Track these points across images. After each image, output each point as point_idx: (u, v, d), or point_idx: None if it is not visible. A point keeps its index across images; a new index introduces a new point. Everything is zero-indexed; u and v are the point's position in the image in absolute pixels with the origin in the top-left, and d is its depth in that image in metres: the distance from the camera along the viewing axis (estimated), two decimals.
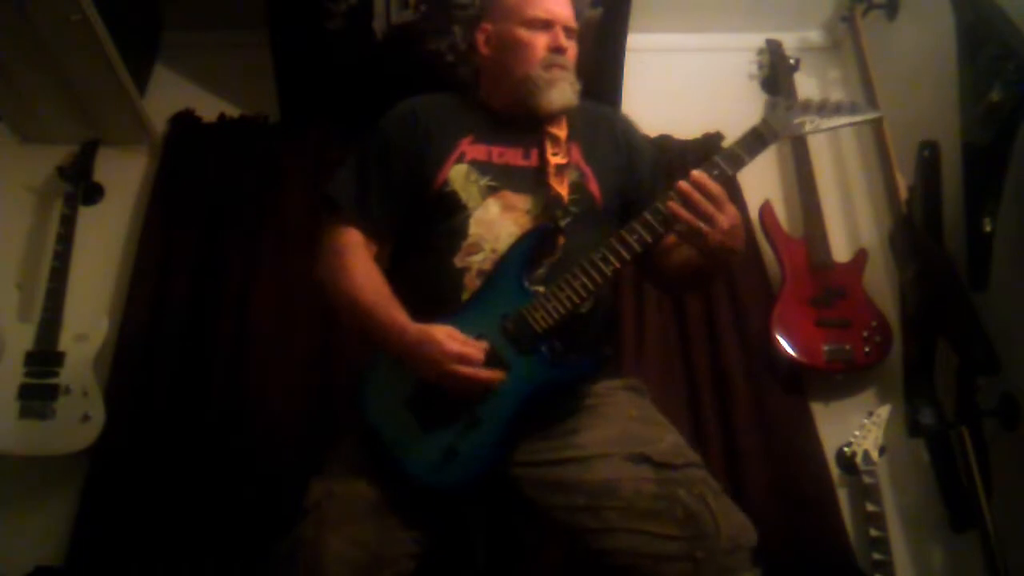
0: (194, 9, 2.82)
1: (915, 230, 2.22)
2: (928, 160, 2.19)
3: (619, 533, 1.35)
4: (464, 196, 1.52)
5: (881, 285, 2.52)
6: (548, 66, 1.58)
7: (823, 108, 1.47)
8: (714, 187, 1.38)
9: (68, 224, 2.46)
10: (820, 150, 2.75)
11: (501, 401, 1.39)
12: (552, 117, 1.60)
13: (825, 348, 2.33)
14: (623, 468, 1.38)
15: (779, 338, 2.35)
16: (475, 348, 1.37)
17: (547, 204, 1.51)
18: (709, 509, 1.35)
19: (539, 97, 1.57)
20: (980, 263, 2.07)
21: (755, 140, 1.45)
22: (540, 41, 1.59)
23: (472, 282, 1.47)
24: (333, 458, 1.50)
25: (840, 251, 2.55)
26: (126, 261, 2.53)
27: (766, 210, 2.56)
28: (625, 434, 1.44)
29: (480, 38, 1.69)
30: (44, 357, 2.27)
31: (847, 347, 2.34)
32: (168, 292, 2.42)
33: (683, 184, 1.38)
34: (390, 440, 1.41)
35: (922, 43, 2.53)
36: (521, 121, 1.60)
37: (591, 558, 1.38)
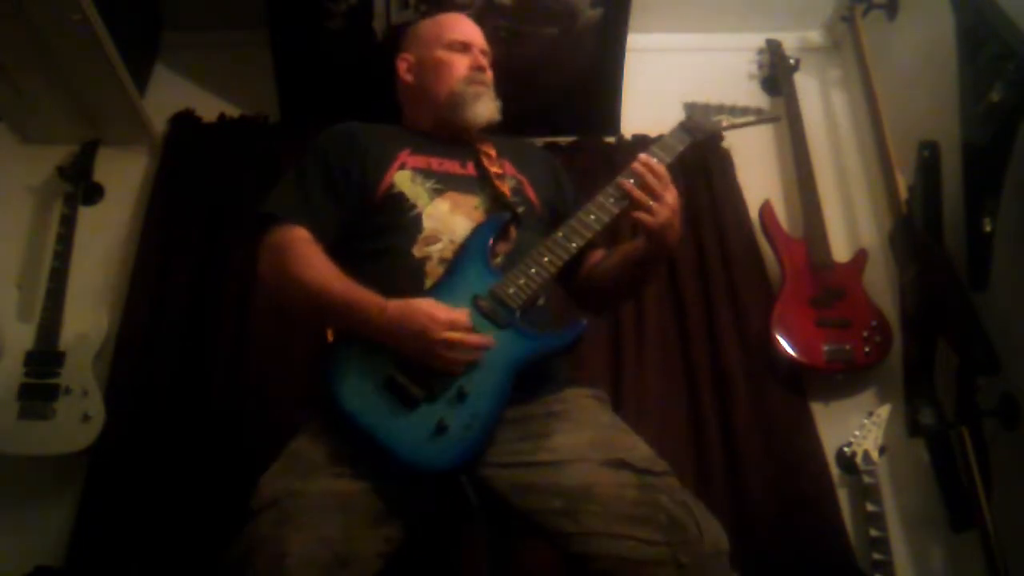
0: (194, 9, 2.82)
1: (915, 230, 2.22)
2: (928, 160, 2.19)
3: (601, 538, 1.34)
4: (412, 196, 1.57)
5: (881, 285, 2.52)
6: (470, 82, 1.71)
7: (734, 109, 1.75)
8: (659, 168, 1.51)
9: (68, 224, 2.46)
10: (820, 150, 2.75)
11: (487, 374, 1.38)
12: (479, 132, 1.71)
13: (825, 348, 2.33)
14: (601, 473, 1.38)
15: (779, 338, 2.35)
16: (460, 313, 1.39)
17: (495, 199, 1.60)
18: (692, 515, 1.35)
19: (465, 110, 1.69)
20: (980, 263, 2.06)
21: (684, 133, 1.65)
22: (461, 61, 1.73)
23: (434, 270, 1.49)
24: (286, 458, 1.45)
25: (840, 251, 2.55)
26: (126, 261, 2.54)
27: (766, 210, 2.56)
28: (599, 440, 1.43)
29: (402, 67, 1.80)
30: (44, 357, 2.27)
31: (847, 347, 2.34)
32: (168, 292, 2.42)
33: (636, 164, 1.51)
34: (372, 425, 1.35)
35: (922, 43, 2.53)
36: (451, 139, 1.70)
37: (571, 561, 1.37)
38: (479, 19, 1.87)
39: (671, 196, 1.50)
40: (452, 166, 1.66)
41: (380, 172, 1.60)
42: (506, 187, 1.62)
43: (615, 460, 1.39)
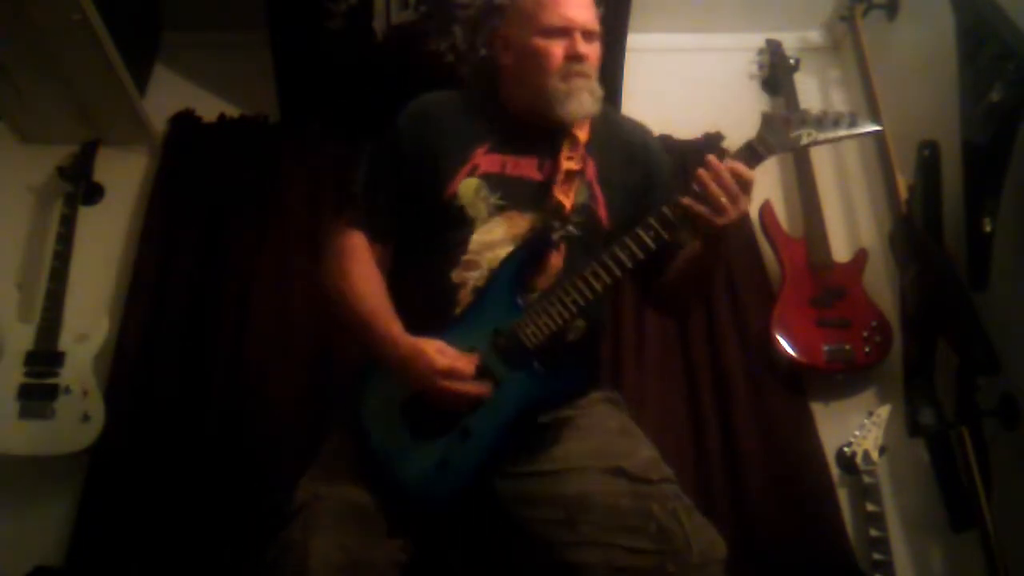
0: (194, 9, 2.82)
1: (915, 230, 2.22)
2: (928, 160, 2.19)
3: (594, 547, 1.35)
4: (471, 212, 1.51)
5: (881, 285, 2.52)
6: (566, 75, 1.52)
7: (822, 121, 1.39)
8: (740, 170, 1.35)
9: (68, 224, 2.46)
10: (820, 150, 2.74)
11: (492, 414, 1.39)
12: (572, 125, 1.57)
13: (825, 348, 2.33)
14: (599, 481, 1.39)
15: (779, 338, 2.35)
16: (465, 362, 1.38)
17: (546, 215, 1.49)
18: (681, 525, 1.35)
19: (557, 109, 1.53)
20: (980, 263, 2.06)
21: (750, 155, 1.40)
22: (557, 49, 1.53)
23: (466, 298, 1.47)
24: (321, 459, 1.49)
25: (840, 251, 2.55)
26: (126, 261, 2.53)
27: (766, 210, 2.56)
28: (603, 447, 1.44)
29: (499, 43, 1.64)
30: (44, 357, 2.27)
31: (847, 347, 2.34)
32: (168, 292, 2.42)
33: (702, 172, 1.36)
34: (379, 445, 1.41)
35: (922, 43, 2.53)
36: (540, 128, 1.56)
37: (564, 571, 1.38)
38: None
39: (741, 205, 1.36)
40: (528, 167, 1.55)
41: (451, 174, 1.53)
42: (570, 198, 1.50)
43: (613, 468, 1.40)
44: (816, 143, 1.41)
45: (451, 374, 1.36)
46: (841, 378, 2.40)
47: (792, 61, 2.84)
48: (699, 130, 2.73)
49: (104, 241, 2.58)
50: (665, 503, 1.37)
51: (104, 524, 2.12)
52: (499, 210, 1.51)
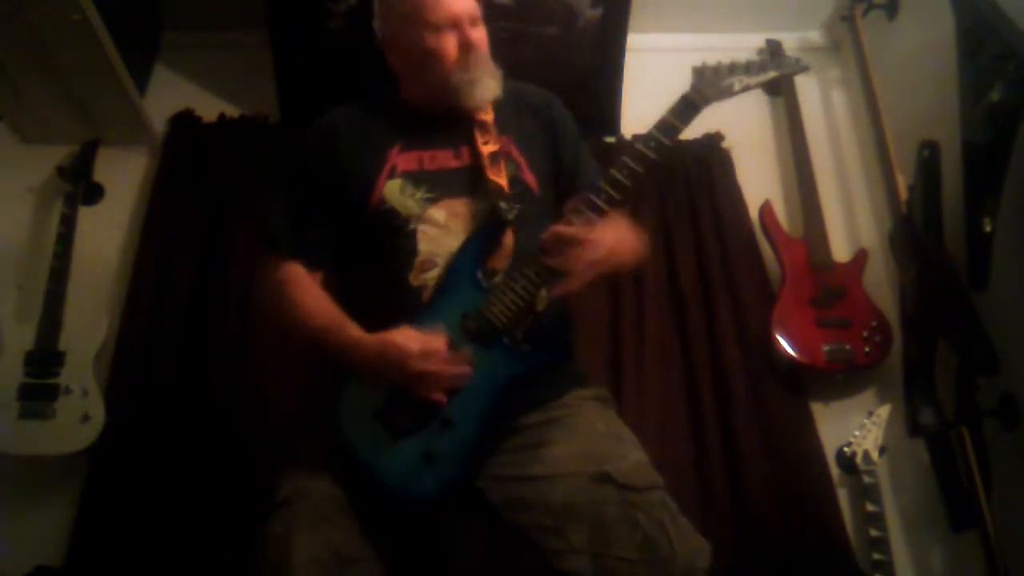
0: (194, 9, 2.82)
1: (915, 230, 2.22)
2: (928, 160, 2.19)
3: (582, 556, 1.34)
4: (404, 212, 1.51)
5: (881, 285, 2.52)
6: (465, 66, 1.55)
7: (750, 67, 1.50)
8: (567, 232, 1.39)
9: (68, 224, 2.46)
10: (820, 150, 2.75)
11: (471, 399, 1.38)
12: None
13: (825, 348, 2.33)
14: (586, 489, 1.37)
15: (779, 338, 2.35)
16: (435, 339, 1.37)
17: (489, 197, 1.51)
18: (666, 534, 1.34)
19: (465, 100, 1.55)
20: (980, 263, 2.07)
21: (687, 107, 1.47)
22: (449, 44, 1.54)
23: (430, 299, 1.46)
24: (305, 453, 1.48)
25: (840, 251, 2.55)
26: (126, 261, 2.53)
27: (766, 210, 2.56)
28: (592, 450, 1.42)
29: (387, 49, 1.64)
30: (44, 357, 2.27)
31: (847, 347, 2.34)
32: (168, 292, 2.42)
33: (544, 238, 1.41)
34: (364, 452, 1.39)
35: (922, 43, 2.53)
36: (446, 119, 1.58)
37: None
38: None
39: (590, 252, 1.39)
40: (445, 158, 1.57)
41: (369, 183, 1.53)
42: (503, 178, 1.53)
43: (601, 474, 1.38)
44: (748, 88, 1.51)
45: (426, 354, 1.35)
46: (841, 378, 2.40)
47: (792, 61, 2.83)
48: (699, 130, 2.72)
49: (104, 241, 2.58)
50: (651, 512, 1.36)
51: (104, 524, 2.12)
52: (431, 202, 1.52)
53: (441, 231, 1.50)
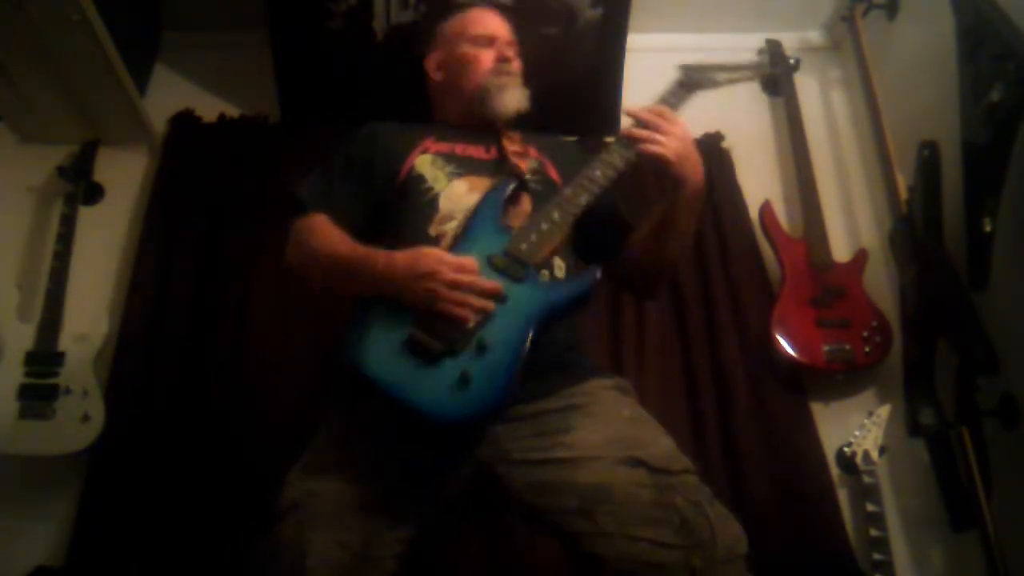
0: (194, 9, 2.82)
1: (915, 230, 2.22)
2: (928, 160, 2.19)
3: (615, 539, 1.33)
4: (431, 178, 1.61)
5: (881, 285, 2.52)
6: (497, 74, 1.75)
7: (733, 69, 1.79)
8: (658, 107, 1.56)
9: (68, 224, 2.46)
10: (820, 150, 2.75)
11: (507, 324, 1.36)
12: (507, 122, 1.73)
13: (825, 348, 2.33)
14: (617, 472, 1.36)
15: (779, 338, 2.35)
16: (467, 259, 1.39)
17: (512, 175, 1.61)
18: (706, 517, 1.34)
19: (493, 102, 1.73)
20: (980, 263, 2.07)
21: (681, 89, 1.67)
22: (486, 55, 1.78)
23: (450, 247, 1.49)
24: (312, 452, 1.47)
25: (840, 251, 2.54)
26: (126, 261, 2.53)
27: (766, 210, 2.56)
28: (618, 436, 1.42)
29: (430, 66, 1.86)
30: (44, 357, 2.27)
31: (847, 347, 2.34)
32: (168, 292, 2.42)
33: (630, 110, 1.54)
34: (395, 384, 1.32)
35: (922, 43, 2.53)
36: (479, 129, 1.73)
37: (584, 561, 1.36)
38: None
39: (679, 128, 1.51)
40: (476, 151, 1.69)
41: (402, 158, 1.64)
42: (525, 166, 1.64)
43: (632, 458, 1.37)
44: (733, 81, 1.78)
45: (460, 265, 1.37)
46: (841, 378, 2.40)
47: (792, 61, 2.84)
48: (699, 130, 2.72)
49: (104, 241, 2.57)
50: (688, 495, 1.36)
51: (104, 524, 2.12)
52: (457, 176, 1.62)
53: (462, 195, 1.58)
